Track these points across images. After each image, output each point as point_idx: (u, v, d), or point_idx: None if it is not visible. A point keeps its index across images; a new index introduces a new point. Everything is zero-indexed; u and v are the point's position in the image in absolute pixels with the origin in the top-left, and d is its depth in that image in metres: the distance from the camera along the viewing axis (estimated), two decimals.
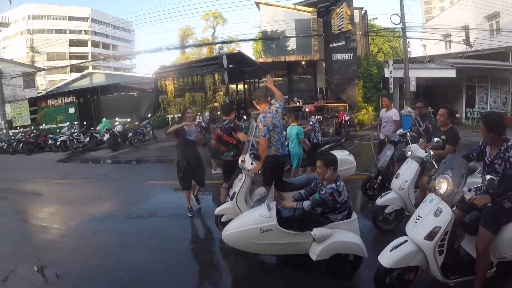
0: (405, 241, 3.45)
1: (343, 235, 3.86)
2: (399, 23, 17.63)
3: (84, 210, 7.16)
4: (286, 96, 20.66)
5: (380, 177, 6.39)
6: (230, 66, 16.82)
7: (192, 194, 6.42)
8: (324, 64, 20.20)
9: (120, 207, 7.41)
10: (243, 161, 4.99)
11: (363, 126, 16.23)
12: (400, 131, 7.25)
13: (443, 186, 3.35)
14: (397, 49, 23.81)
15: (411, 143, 5.49)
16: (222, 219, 5.13)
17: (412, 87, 17.86)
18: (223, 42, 33.52)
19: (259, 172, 4.89)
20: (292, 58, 19.86)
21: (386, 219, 5.18)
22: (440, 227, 3.23)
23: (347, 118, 14.81)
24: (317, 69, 21.12)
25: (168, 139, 16.48)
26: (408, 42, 27.98)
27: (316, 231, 3.72)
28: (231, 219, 4.76)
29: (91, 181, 9.99)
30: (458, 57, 21.40)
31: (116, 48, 67.06)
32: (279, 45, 20.49)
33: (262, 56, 20.59)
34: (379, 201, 5.09)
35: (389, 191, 5.21)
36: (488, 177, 3.17)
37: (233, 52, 21.73)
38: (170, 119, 18.18)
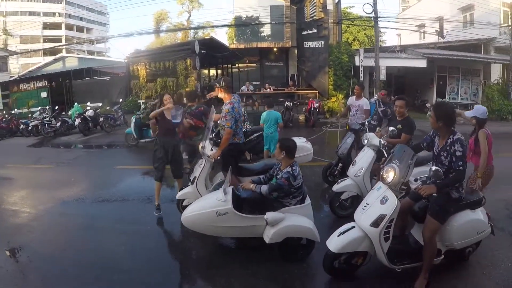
0: (353, 227, 3.58)
1: (295, 219, 3.99)
2: (371, 12, 17.80)
3: (53, 194, 7.16)
4: (258, 82, 20.69)
5: (340, 164, 6.51)
6: (202, 51, 16.68)
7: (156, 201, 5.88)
8: (296, 51, 20.23)
9: (89, 191, 7.39)
10: (203, 147, 5.05)
11: (333, 114, 16.36)
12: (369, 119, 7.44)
13: (390, 175, 3.47)
14: (373, 37, 23.92)
15: (369, 132, 5.70)
16: (184, 203, 5.21)
17: (382, 76, 18.07)
18: (196, 28, 33.25)
19: (218, 158, 4.93)
20: (264, 44, 19.87)
21: (343, 205, 5.35)
22: (386, 215, 3.34)
23: (316, 105, 14.93)
24: (289, 56, 21.13)
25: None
26: (383, 31, 28.26)
27: (269, 215, 3.85)
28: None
29: (61, 166, 9.91)
30: (430, 47, 21.64)
31: (90, 31, 65.47)
32: (253, 31, 20.46)
33: (235, 42, 20.44)
34: (336, 187, 5.25)
35: (345, 178, 5.39)
36: (433, 168, 3.28)
37: (206, 37, 21.51)
38: (141, 103, 17.98)
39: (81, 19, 62.88)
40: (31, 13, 56.13)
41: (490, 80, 20.53)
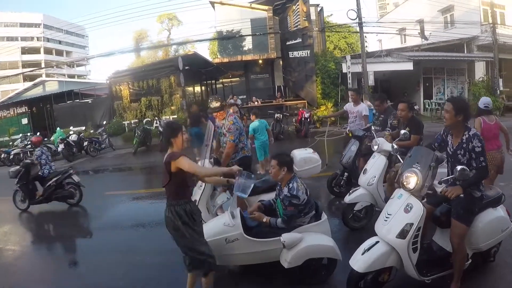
0: (377, 242, 3.24)
1: (314, 239, 3.62)
2: (356, 18, 17.71)
3: (40, 228, 6.82)
4: (244, 96, 20.37)
5: (346, 174, 6.24)
6: (186, 67, 16.37)
7: None
8: (281, 62, 20.07)
9: (78, 221, 7.02)
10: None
11: (323, 123, 16.08)
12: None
13: (412, 180, 3.18)
14: (353, 45, 24.00)
15: (376, 137, 5.42)
16: None
17: (371, 81, 18.00)
18: (178, 43, 32.84)
19: None
20: (249, 57, 19.51)
21: (356, 216, 5.02)
22: (412, 224, 3.07)
23: (306, 115, 14.65)
24: (274, 68, 20.92)
25: (125, 147, 15.93)
26: (365, 37, 28.53)
27: (286, 237, 3.44)
28: None
29: None
30: (414, 50, 21.90)
31: (70, 54, 64.70)
32: (236, 44, 20.11)
33: (218, 57, 20.14)
34: (348, 199, 4.89)
35: (357, 188, 5.05)
36: (459, 167, 3.02)
37: (189, 53, 21.20)
38: (126, 125, 17.46)
39: (60, 42, 62.07)
40: (9, 38, 55.17)
41: (474, 78, 20.93)
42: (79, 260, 5.11)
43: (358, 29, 18.81)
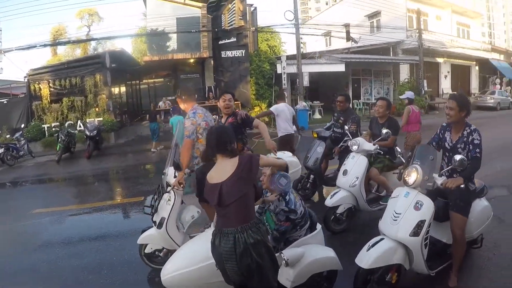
0: (382, 239, 3.29)
1: (315, 252, 3.29)
2: (293, 19, 18.03)
3: None
4: (174, 97, 19.53)
5: (312, 176, 6.10)
6: (113, 65, 15.27)
7: None
8: (212, 62, 19.48)
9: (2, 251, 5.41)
10: (164, 174, 4.01)
11: None
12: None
13: (413, 175, 3.32)
14: (275, 48, 24.23)
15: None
16: (146, 250, 4.07)
17: (306, 82, 18.30)
18: (107, 38, 30.50)
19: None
20: (180, 56, 18.57)
21: (338, 219, 4.94)
22: (425, 220, 3.17)
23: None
24: (205, 67, 20.19)
25: (46, 153, 14.45)
26: (284, 41, 29.56)
27: (288, 254, 3.04)
28: (158, 250, 4.01)
29: None
30: (344, 52, 22.86)
31: None
32: (166, 42, 19.24)
33: (148, 55, 19.07)
34: (330, 202, 4.76)
35: (337, 190, 4.95)
36: (458, 157, 3.20)
37: (116, 50, 19.82)
38: (46, 129, 15.81)
39: None
40: None
41: (399, 79, 22.41)
42: None
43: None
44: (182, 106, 4.56)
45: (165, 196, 3.90)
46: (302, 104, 16.62)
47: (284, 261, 3.01)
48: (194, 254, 3.19)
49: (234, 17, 17.51)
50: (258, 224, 2.64)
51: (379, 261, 3.12)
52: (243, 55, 18.04)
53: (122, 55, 16.38)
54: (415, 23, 23.00)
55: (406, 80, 22.39)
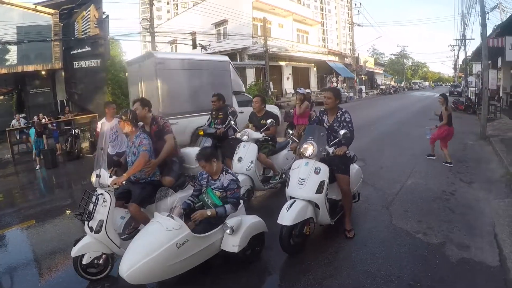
0: (295, 201, 4.08)
1: (247, 219, 4.01)
2: (149, 27, 18.48)
3: None
4: (24, 115, 17.30)
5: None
6: None
7: None
8: (63, 74, 17.90)
9: None
10: (98, 176, 3.83)
11: None
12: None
13: (310, 149, 4.23)
14: (116, 57, 23.63)
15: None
16: (84, 261, 3.79)
17: None
18: None
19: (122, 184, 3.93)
20: (30, 67, 16.60)
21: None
22: (324, 180, 4.11)
23: None
24: (56, 80, 18.40)
25: None
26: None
27: (232, 222, 3.73)
28: (96, 258, 3.83)
29: None
30: None
31: None
32: (14, 53, 16.79)
33: None
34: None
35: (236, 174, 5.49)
36: (342, 131, 4.20)
37: None
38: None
39: None
40: None
41: (247, 82, 24.07)
42: None
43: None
44: (126, 129, 4.41)
45: (99, 198, 3.81)
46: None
47: (229, 229, 3.68)
48: (149, 243, 3.34)
49: (89, 25, 16.55)
50: None
51: (298, 217, 3.95)
52: (99, 64, 16.96)
53: None
54: (260, 30, 25.47)
55: (253, 82, 24.51)
